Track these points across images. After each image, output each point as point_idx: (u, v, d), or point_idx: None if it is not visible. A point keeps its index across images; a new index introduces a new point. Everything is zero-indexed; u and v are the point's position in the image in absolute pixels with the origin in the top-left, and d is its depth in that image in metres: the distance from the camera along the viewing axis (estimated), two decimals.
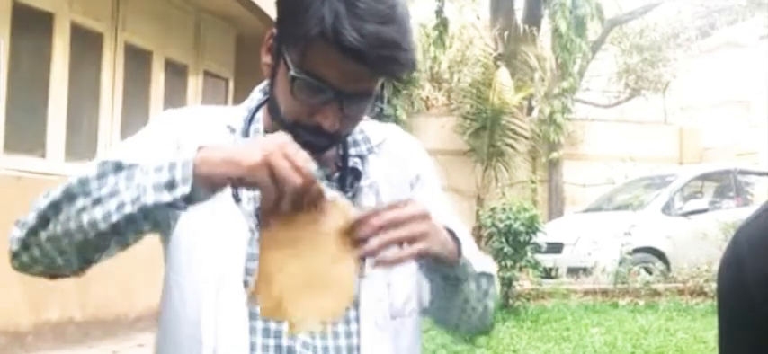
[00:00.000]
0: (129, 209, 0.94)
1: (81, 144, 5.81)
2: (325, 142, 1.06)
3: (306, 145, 1.00)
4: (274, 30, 1.09)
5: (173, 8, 6.73)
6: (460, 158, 12.10)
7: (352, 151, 1.15)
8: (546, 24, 13.84)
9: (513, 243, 6.95)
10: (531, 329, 6.39)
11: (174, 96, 6.81)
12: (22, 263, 1.03)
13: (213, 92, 7.40)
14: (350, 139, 1.15)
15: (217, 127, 1.14)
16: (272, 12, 7.25)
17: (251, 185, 0.93)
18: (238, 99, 8.10)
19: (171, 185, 0.92)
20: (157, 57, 6.57)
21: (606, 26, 15.74)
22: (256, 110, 1.15)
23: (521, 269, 7.15)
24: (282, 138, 0.92)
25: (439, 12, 12.95)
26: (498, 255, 6.97)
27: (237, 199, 1.07)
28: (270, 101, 1.11)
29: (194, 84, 7.12)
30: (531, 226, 7.02)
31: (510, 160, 12.17)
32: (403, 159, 1.21)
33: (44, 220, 1.00)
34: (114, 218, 0.95)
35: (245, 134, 1.13)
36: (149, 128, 1.15)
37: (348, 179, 1.14)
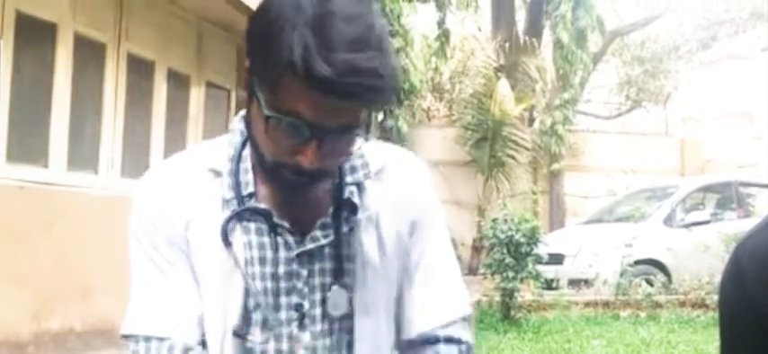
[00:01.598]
0: None
1: (84, 153, 5.82)
2: (306, 182, 1.00)
3: (291, 185, 0.99)
4: (247, 64, 1.01)
5: (175, 19, 6.75)
6: (462, 169, 12.10)
7: (348, 179, 1.09)
8: (547, 36, 13.87)
9: (514, 254, 6.94)
10: (532, 340, 6.38)
11: (176, 107, 6.82)
12: None
13: (215, 102, 7.41)
14: (347, 166, 1.09)
15: (200, 175, 1.08)
16: None
17: None
18: (240, 109, 8.16)
19: None
20: (160, 67, 6.59)
21: (607, 38, 15.78)
22: (243, 146, 1.08)
23: (522, 280, 7.14)
24: None
25: (440, 23, 12.99)
26: (499, 266, 6.96)
27: (228, 243, 1.04)
28: (250, 139, 1.05)
29: (196, 94, 7.14)
30: (533, 237, 7.01)
31: (511, 171, 12.17)
32: (405, 190, 1.14)
33: None
34: None
35: (235, 175, 1.07)
36: (145, 231, 1.08)
37: (344, 213, 1.07)
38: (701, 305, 7.65)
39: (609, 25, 15.28)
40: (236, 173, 1.07)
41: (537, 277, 7.28)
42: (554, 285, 8.32)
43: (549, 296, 7.79)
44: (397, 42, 9.20)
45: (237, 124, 1.11)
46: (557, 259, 8.40)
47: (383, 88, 0.94)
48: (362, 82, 0.92)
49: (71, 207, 5.32)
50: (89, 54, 5.83)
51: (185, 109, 7.00)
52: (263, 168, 1.03)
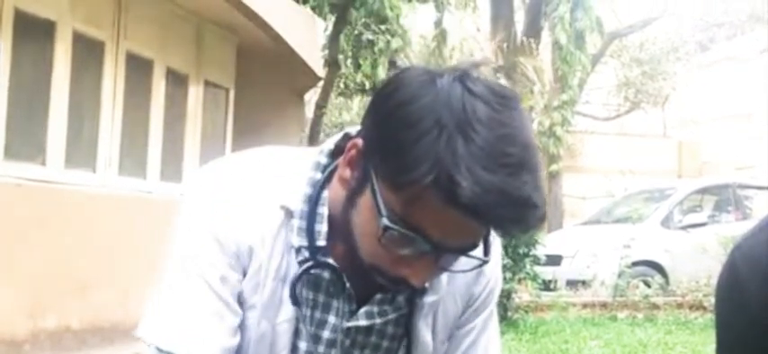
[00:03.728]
0: None
1: (81, 151, 5.81)
2: (405, 292, 0.93)
3: (380, 288, 0.91)
4: (359, 142, 0.89)
5: (174, 17, 6.74)
6: None
7: None
8: (546, 37, 13.88)
9: (512, 254, 6.95)
10: (529, 341, 6.38)
11: (175, 106, 6.81)
12: None
13: (214, 101, 7.41)
14: None
15: (271, 210, 0.96)
16: (273, 22, 7.28)
17: None
18: (238, 108, 8.07)
19: None
20: (158, 65, 6.58)
21: (606, 39, 15.79)
22: (321, 187, 0.96)
23: (520, 281, 7.14)
24: None
25: (438, 23, 12.99)
26: None
27: (295, 301, 0.96)
28: (343, 224, 0.91)
29: (195, 93, 7.13)
30: (530, 238, 7.02)
31: None
32: (474, 275, 1.03)
33: None
34: None
35: (309, 221, 0.95)
36: (201, 239, 0.96)
37: (407, 293, 0.97)
38: (699, 306, 7.65)
39: (607, 27, 15.28)
40: (311, 219, 0.95)
41: (535, 278, 7.28)
42: (552, 286, 8.32)
43: (546, 297, 7.80)
44: (395, 43, 9.21)
45: (321, 158, 0.98)
46: (554, 260, 8.40)
47: (535, 221, 0.83)
48: (515, 214, 0.81)
49: (68, 205, 5.31)
50: (88, 52, 5.82)
51: (184, 108, 6.99)
52: (355, 259, 0.91)
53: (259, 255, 0.96)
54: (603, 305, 7.81)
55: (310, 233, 0.95)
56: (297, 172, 0.97)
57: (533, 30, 13.79)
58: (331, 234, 0.95)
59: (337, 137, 0.99)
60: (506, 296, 7.01)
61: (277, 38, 7.31)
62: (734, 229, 8.19)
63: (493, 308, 1.10)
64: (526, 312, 7.29)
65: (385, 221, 0.83)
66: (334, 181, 0.95)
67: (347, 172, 0.91)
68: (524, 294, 7.46)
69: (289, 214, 0.96)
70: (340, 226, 0.93)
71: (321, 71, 8.84)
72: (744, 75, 15.87)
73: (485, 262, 0.89)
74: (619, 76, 18.05)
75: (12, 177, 5.05)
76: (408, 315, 1.00)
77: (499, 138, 0.81)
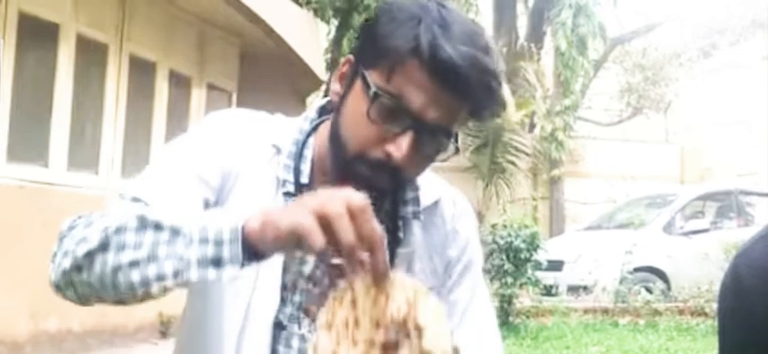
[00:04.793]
0: (169, 282, 0.84)
1: (84, 154, 5.82)
2: (386, 179, 0.99)
3: (365, 181, 0.96)
4: (351, 57, 1.03)
5: (177, 20, 6.76)
6: (462, 175, 12.11)
7: (399, 211, 1.08)
8: (549, 42, 13.89)
9: (513, 260, 6.94)
10: (530, 347, 6.37)
11: (178, 108, 6.83)
12: (66, 297, 0.95)
13: (216, 104, 7.42)
14: (400, 197, 1.08)
15: (262, 144, 1.07)
16: (276, 25, 7.28)
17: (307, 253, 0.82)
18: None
19: (217, 262, 0.82)
20: (161, 68, 6.60)
21: (608, 45, 15.80)
22: (310, 133, 1.08)
23: (521, 286, 7.13)
24: (347, 196, 0.78)
25: None
26: (499, 272, 6.96)
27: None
28: (332, 131, 1.03)
29: (198, 96, 7.15)
30: (532, 244, 7.01)
31: (511, 177, 12.18)
32: (449, 232, 1.13)
33: (77, 268, 0.91)
34: (153, 288, 0.85)
35: (296, 159, 1.06)
36: (194, 143, 1.06)
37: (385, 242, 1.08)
38: (700, 313, 7.64)
39: (610, 32, 15.30)
40: (298, 157, 1.06)
41: (536, 283, 7.27)
42: (553, 291, 8.31)
43: (547, 302, 7.78)
44: None
45: (311, 113, 1.11)
46: (556, 265, 8.39)
47: (495, 92, 0.97)
48: (485, 80, 0.96)
49: (71, 207, 5.30)
50: (91, 54, 5.83)
51: (186, 110, 7.00)
52: (337, 163, 1.01)
53: (246, 181, 1.04)
54: (605, 311, 7.79)
55: (296, 170, 1.05)
56: (289, 122, 1.11)
57: (536, 35, 13.80)
58: (314, 177, 1.06)
59: (326, 99, 1.11)
60: (508, 300, 7.01)
61: (280, 41, 7.33)
62: (736, 235, 8.18)
63: (478, 284, 1.16)
64: (527, 317, 7.28)
65: (374, 90, 0.96)
66: (321, 130, 1.07)
67: (337, 86, 1.04)
68: (526, 299, 7.45)
69: (278, 151, 1.07)
70: (323, 166, 1.05)
71: (323, 74, 8.86)
72: (746, 82, 15.86)
73: (457, 150, 1.02)
74: (621, 82, 18.05)
75: (14, 179, 5.06)
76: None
77: (471, 31, 0.97)
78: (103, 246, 0.87)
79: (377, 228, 0.78)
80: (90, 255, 0.88)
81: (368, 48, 1.01)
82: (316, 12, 7.73)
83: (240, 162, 1.05)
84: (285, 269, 1.04)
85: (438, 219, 1.12)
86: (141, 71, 6.35)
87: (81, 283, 0.91)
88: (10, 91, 5.07)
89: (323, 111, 1.10)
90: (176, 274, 0.84)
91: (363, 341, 0.79)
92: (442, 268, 1.12)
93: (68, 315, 5.27)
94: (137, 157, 6.17)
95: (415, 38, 0.95)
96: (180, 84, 6.91)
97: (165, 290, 0.87)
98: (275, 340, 1.04)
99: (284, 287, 1.04)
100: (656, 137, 16.90)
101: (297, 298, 1.05)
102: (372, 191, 0.91)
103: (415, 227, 1.08)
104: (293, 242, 0.78)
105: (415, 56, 0.94)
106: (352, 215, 0.77)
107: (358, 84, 1.00)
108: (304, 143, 1.07)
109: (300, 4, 7.65)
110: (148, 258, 0.85)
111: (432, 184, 1.13)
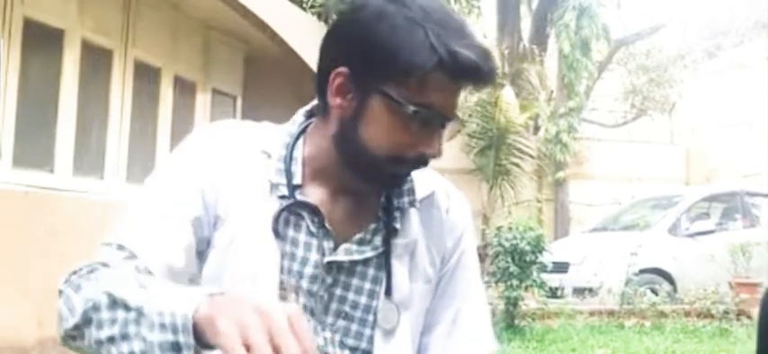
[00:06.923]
0: None
1: (89, 159, 5.84)
2: (403, 175, 1.07)
3: (399, 179, 1.06)
4: (344, 70, 1.02)
5: (182, 25, 6.78)
6: (466, 177, 12.09)
7: (395, 202, 1.11)
8: (553, 44, 13.87)
9: (518, 262, 6.93)
10: (536, 349, 6.36)
11: (182, 113, 6.84)
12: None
13: (221, 109, 7.43)
14: (395, 189, 1.11)
15: (252, 152, 1.09)
16: (280, 30, 7.29)
17: None
18: (246, 116, 8.12)
19: (176, 347, 0.82)
20: (166, 73, 6.62)
21: (613, 46, 15.77)
22: (298, 136, 1.11)
23: (526, 288, 7.12)
24: (287, 311, 0.78)
25: None
26: (504, 274, 6.95)
27: (278, 234, 1.05)
28: (347, 141, 1.04)
29: (202, 101, 7.16)
30: (537, 246, 7.00)
31: (516, 179, 12.15)
32: (445, 223, 1.16)
33: (72, 337, 0.98)
34: None
35: (287, 161, 1.08)
36: (178, 169, 1.09)
37: (383, 234, 1.10)
38: (707, 314, 7.61)
39: (614, 34, 15.26)
40: (288, 160, 1.08)
41: (541, 285, 7.26)
42: (558, 293, 8.29)
43: (553, 304, 7.76)
44: None
45: (298, 117, 1.13)
46: (561, 267, 8.37)
47: (495, 69, 1.05)
48: (490, 64, 1.02)
49: (76, 213, 5.33)
50: (96, 60, 5.85)
51: (191, 115, 7.02)
52: (364, 166, 1.04)
53: (240, 189, 1.06)
54: (610, 313, 7.77)
55: (288, 173, 1.08)
56: (276, 129, 1.13)
57: (539, 37, 13.78)
58: (307, 178, 1.08)
59: (312, 103, 1.12)
60: (513, 303, 6.99)
61: (284, 46, 7.34)
62: (741, 237, 8.16)
63: (473, 281, 1.18)
64: (533, 319, 7.26)
65: (411, 108, 1.00)
66: (311, 131, 1.10)
67: (339, 100, 1.04)
68: (531, 301, 7.43)
69: (268, 156, 1.09)
70: (316, 167, 1.08)
71: None
72: (751, 83, 15.81)
73: (463, 125, 1.09)
74: (625, 84, 18.02)
75: (20, 185, 5.08)
76: (385, 255, 1.09)
77: (459, 20, 1.03)
78: (86, 322, 0.92)
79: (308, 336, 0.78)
80: (78, 328, 0.94)
81: (374, 62, 1.01)
82: (320, 16, 7.75)
83: (231, 172, 1.07)
84: (284, 270, 1.05)
85: (434, 211, 1.15)
86: (146, 76, 6.37)
87: (81, 348, 0.96)
88: (15, 97, 5.09)
89: (310, 115, 1.13)
90: None
91: None
92: (439, 258, 1.15)
93: None
94: (142, 162, 6.19)
95: (432, 50, 0.98)
96: (185, 89, 6.93)
97: None
98: None
99: (283, 287, 1.05)
100: (661, 138, 16.86)
101: (296, 298, 1.06)
102: (399, 183, 1.03)
103: (414, 216, 1.12)
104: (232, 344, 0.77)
105: (440, 68, 0.98)
106: (273, 335, 0.76)
107: (377, 97, 1.01)
108: (293, 147, 1.09)
109: (305, 9, 7.67)
110: (121, 337, 0.87)
111: (425, 177, 1.15)
